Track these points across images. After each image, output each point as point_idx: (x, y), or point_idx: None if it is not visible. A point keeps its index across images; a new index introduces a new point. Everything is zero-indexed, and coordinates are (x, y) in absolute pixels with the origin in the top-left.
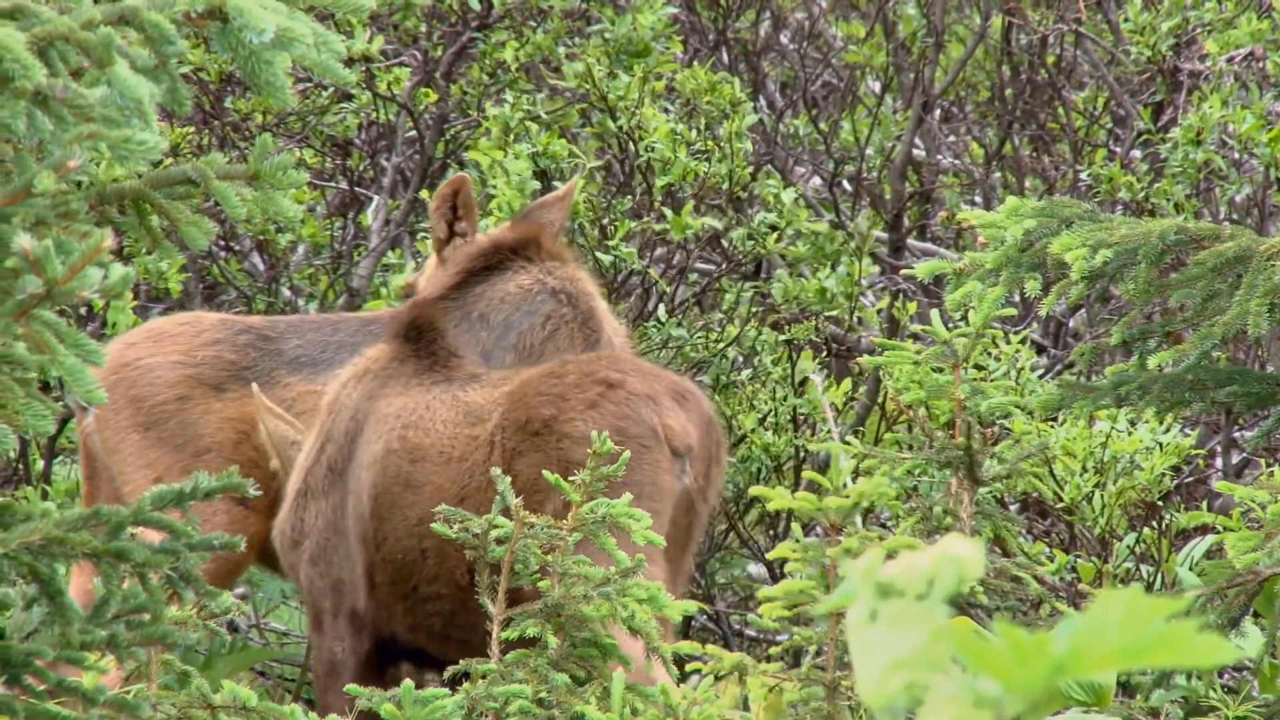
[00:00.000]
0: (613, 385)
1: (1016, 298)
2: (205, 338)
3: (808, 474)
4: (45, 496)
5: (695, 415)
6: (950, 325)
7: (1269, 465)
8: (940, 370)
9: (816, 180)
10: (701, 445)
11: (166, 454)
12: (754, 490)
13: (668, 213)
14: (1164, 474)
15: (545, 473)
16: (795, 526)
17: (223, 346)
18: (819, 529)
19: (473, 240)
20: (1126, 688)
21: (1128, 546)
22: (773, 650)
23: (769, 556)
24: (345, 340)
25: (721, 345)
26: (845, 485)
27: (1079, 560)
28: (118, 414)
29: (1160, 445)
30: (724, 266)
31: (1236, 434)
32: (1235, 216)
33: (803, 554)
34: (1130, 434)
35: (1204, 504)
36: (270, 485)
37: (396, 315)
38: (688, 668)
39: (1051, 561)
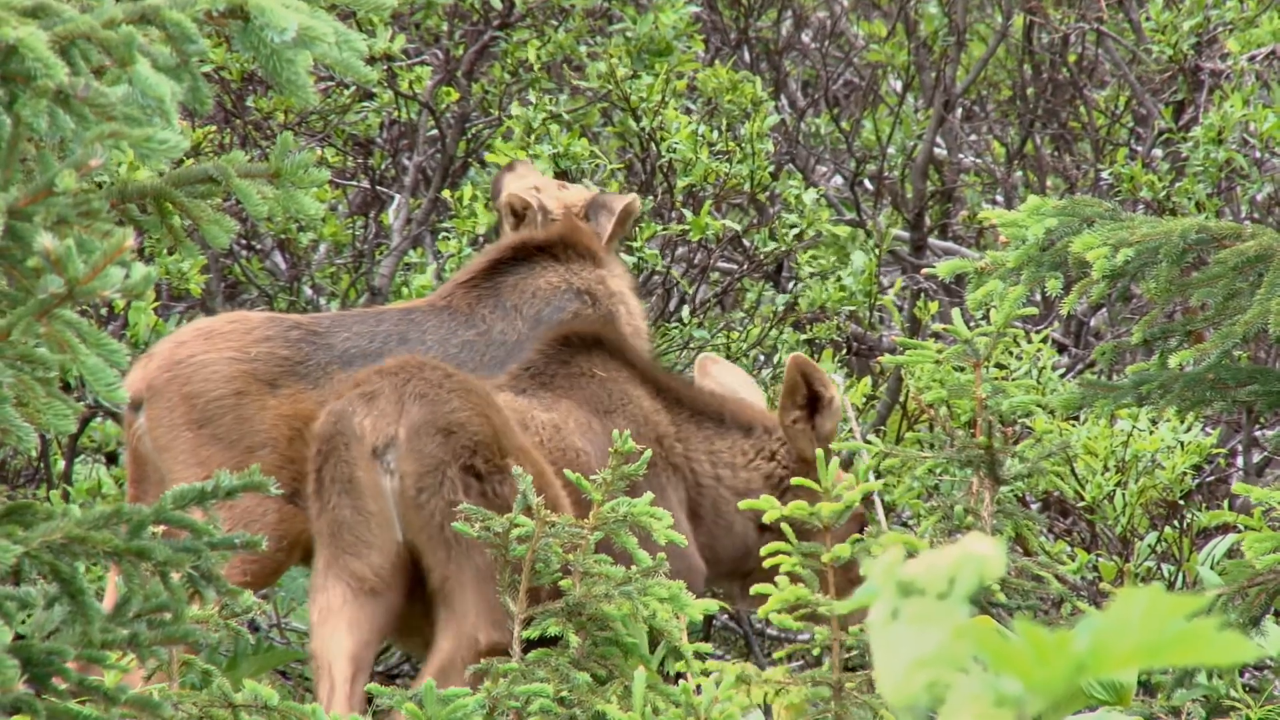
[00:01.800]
0: (354, 387)
1: (1038, 297)
2: (257, 334)
3: (796, 480)
4: (66, 496)
5: (409, 414)
6: (971, 324)
7: None
8: (961, 369)
9: (838, 179)
10: (411, 442)
11: (219, 451)
12: (743, 504)
13: (688, 213)
14: (1185, 473)
15: (567, 471)
16: (786, 528)
17: (275, 343)
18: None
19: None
20: (1147, 686)
21: (1149, 545)
22: (778, 655)
23: (762, 551)
24: (392, 330)
25: (745, 346)
26: (869, 478)
27: (1100, 559)
28: (171, 411)
29: (1182, 444)
30: (745, 266)
31: (1257, 433)
32: (1256, 215)
33: (798, 558)
34: (1152, 433)
35: (1225, 503)
36: None
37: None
38: (697, 675)
39: (1073, 560)
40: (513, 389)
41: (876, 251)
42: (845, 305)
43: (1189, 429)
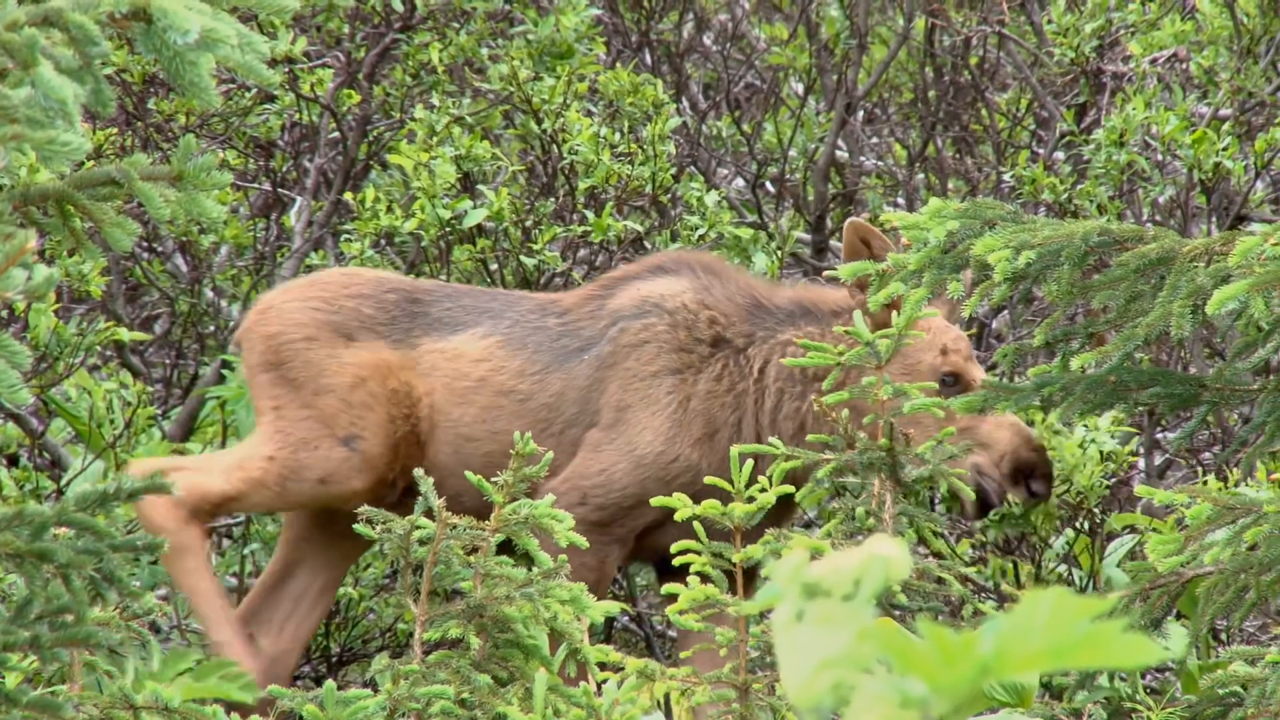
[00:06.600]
0: None
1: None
2: (353, 290)
3: (709, 479)
4: None
5: None
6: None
7: (1190, 467)
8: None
9: (739, 182)
10: None
11: (287, 391)
12: (655, 501)
13: (590, 215)
14: (1100, 482)
15: (468, 474)
16: (698, 527)
17: (365, 300)
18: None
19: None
20: (1050, 688)
21: (1056, 553)
22: (684, 654)
23: (672, 549)
24: (486, 306)
25: None
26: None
27: (1011, 562)
28: (252, 352)
29: (1102, 454)
30: None
31: (1159, 435)
32: (1158, 218)
33: (710, 559)
34: (1065, 439)
35: (1122, 506)
36: (393, 433)
37: None
38: (599, 675)
39: (985, 565)
40: None
41: (779, 253)
42: None
43: (1097, 437)
